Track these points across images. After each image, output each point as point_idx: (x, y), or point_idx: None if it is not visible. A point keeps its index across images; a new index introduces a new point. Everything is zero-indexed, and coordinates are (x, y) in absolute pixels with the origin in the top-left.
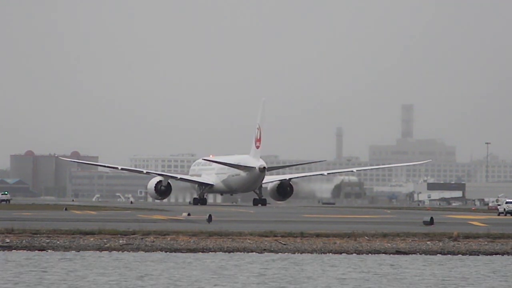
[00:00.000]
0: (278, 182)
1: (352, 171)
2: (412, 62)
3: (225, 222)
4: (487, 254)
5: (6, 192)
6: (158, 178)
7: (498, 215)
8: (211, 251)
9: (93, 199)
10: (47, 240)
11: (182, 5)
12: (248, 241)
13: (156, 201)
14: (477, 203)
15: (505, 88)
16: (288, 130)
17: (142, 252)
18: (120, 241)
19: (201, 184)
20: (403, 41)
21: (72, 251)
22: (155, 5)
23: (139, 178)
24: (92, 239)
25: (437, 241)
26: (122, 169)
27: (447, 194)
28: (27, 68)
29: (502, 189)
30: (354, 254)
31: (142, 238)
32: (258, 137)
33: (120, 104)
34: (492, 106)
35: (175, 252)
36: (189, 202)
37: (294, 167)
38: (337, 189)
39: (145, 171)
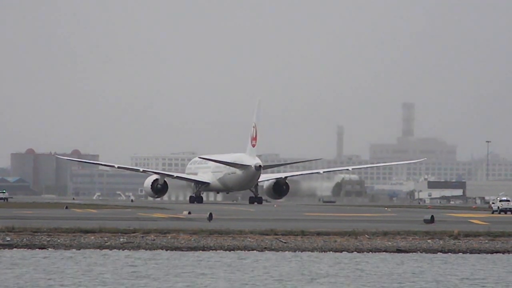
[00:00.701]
0: (274, 180)
1: (347, 169)
2: (413, 60)
3: (226, 221)
4: (487, 253)
5: (4, 191)
6: (155, 177)
7: (492, 213)
8: (212, 250)
9: (94, 198)
10: (48, 239)
11: (182, 5)
12: (249, 239)
13: (153, 199)
14: (478, 201)
15: (506, 87)
16: (289, 128)
17: (143, 250)
18: (121, 239)
19: (197, 182)
20: (404, 40)
21: (73, 250)
22: (155, 4)
23: (140, 177)
24: (92, 237)
25: (437, 240)
26: (118, 167)
27: (448, 192)
28: (28, 67)
29: (503, 188)
30: (355, 253)
31: (142, 237)
32: (254, 136)
33: (121, 103)
34: (492, 104)
35: (175, 250)
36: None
37: (294, 165)
38: (338, 188)
39: (141, 169)
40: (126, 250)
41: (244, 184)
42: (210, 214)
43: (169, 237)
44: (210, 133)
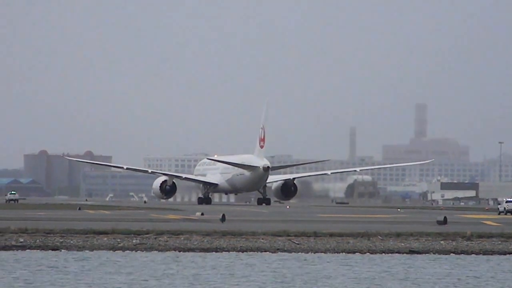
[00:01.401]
0: (282, 181)
1: (355, 170)
2: (425, 61)
3: (239, 222)
4: (500, 254)
5: (14, 192)
6: (163, 178)
7: (499, 214)
8: (225, 251)
9: (107, 199)
10: (61, 240)
11: (194, 6)
12: (262, 240)
13: (161, 200)
14: (491, 202)
15: None
16: (302, 129)
17: (155, 251)
18: (134, 241)
19: (205, 183)
20: (417, 41)
21: (86, 251)
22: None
23: (153, 178)
24: (105, 238)
25: (450, 241)
26: (127, 168)
27: (461, 193)
28: (40, 67)
29: None
30: (368, 254)
31: (155, 238)
32: (262, 137)
33: (134, 104)
34: (505, 105)
35: (188, 251)
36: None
37: (307, 166)
38: (351, 189)
39: (149, 171)
40: (139, 251)
41: (252, 185)
42: (223, 216)
43: (182, 238)
44: (222, 135)
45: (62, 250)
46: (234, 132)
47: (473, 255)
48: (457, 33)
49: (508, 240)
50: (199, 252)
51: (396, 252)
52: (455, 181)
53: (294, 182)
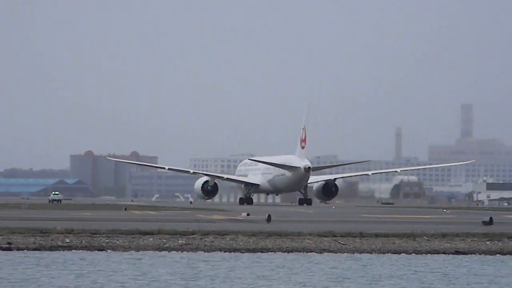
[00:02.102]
0: (323, 182)
1: (396, 171)
2: (471, 61)
3: (284, 222)
4: None
5: (57, 192)
6: (205, 178)
7: None
8: (270, 251)
9: (153, 199)
10: (107, 240)
11: (242, 7)
12: (307, 241)
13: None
14: None
15: None
16: (348, 130)
17: (201, 252)
18: (180, 241)
19: (247, 184)
20: (463, 40)
21: (132, 251)
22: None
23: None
24: (151, 239)
25: (496, 241)
26: (169, 169)
27: (507, 194)
28: (85, 69)
29: None
30: (413, 254)
31: (201, 238)
32: (303, 138)
33: (181, 105)
34: None
35: (234, 252)
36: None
37: (353, 167)
38: (396, 189)
39: (191, 171)
40: (185, 252)
41: (293, 185)
42: (269, 216)
43: (228, 238)
44: (267, 135)
45: (108, 251)
46: (280, 132)
47: None
48: (501, 32)
49: None
50: (245, 252)
51: (442, 253)
52: (501, 182)
53: (335, 182)
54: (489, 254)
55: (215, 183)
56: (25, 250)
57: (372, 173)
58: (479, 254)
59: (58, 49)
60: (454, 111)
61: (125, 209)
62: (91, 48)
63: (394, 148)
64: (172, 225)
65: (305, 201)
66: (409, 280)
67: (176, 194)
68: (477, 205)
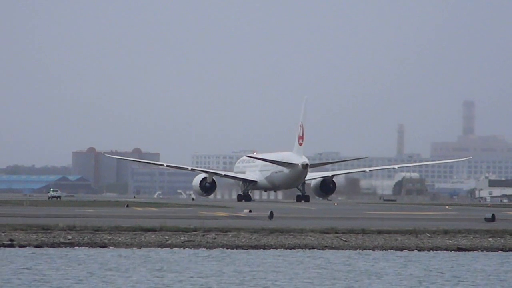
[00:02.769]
0: (321, 179)
1: (393, 168)
2: (473, 58)
3: (287, 219)
4: None
5: (56, 189)
6: (203, 175)
7: None
8: (272, 248)
9: (155, 196)
10: (109, 237)
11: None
12: (310, 237)
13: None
14: None
15: None
16: (350, 127)
17: (203, 249)
18: (182, 238)
19: (245, 180)
20: (465, 37)
21: (134, 248)
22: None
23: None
24: (153, 235)
25: (498, 238)
26: (167, 166)
27: (509, 190)
28: (87, 66)
29: None
30: (415, 251)
31: (203, 235)
32: (301, 135)
33: (183, 102)
34: None
35: (236, 249)
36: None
37: (356, 165)
38: (399, 186)
39: (190, 168)
40: (187, 249)
41: (291, 182)
42: (271, 213)
43: (230, 235)
44: (270, 132)
45: (110, 247)
46: (282, 129)
47: None
48: (504, 29)
49: None
50: (247, 249)
51: (444, 249)
52: (503, 178)
53: (333, 179)
54: (492, 251)
55: (213, 180)
56: (27, 247)
57: (370, 170)
58: (481, 251)
59: (60, 46)
60: (456, 108)
61: (127, 206)
62: (93, 45)
63: (396, 145)
64: (174, 222)
65: (303, 197)
66: (411, 278)
67: (179, 191)
68: (479, 201)
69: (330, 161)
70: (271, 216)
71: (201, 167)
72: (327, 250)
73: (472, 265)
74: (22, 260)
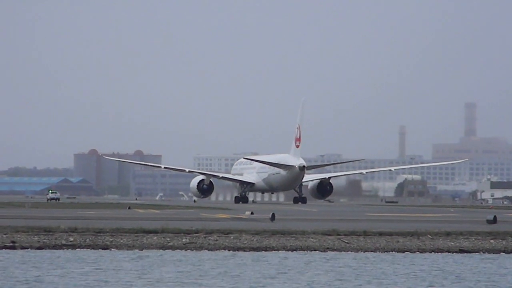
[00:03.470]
0: (318, 181)
1: (390, 169)
2: (475, 60)
3: (288, 221)
4: None
5: (55, 191)
6: (201, 177)
7: None
8: (274, 250)
9: (156, 198)
10: (111, 239)
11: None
12: (311, 239)
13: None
14: None
15: None
16: (352, 129)
17: (205, 250)
18: (183, 240)
19: (242, 182)
20: (466, 38)
21: (135, 250)
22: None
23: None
24: (155, 237)
25: (500, 240)
26: (165, 167)
27: (511, 192)
28: (89, 68)
29: None
30: (417, 253)
31: (205, 237)
32: (298, 137)
33: (185, 104)
34: None
35: (238, 250)
36: (253, 201)
37: (357, 166)
38: (400, 188)
39: (187, 170)
40: (188, 251)
41: (288, 184)
42: (273, 215)
43: (232, 237)
44: (272, 134)
45: (112, 249)
46: (284, 130)
47: None
48: (507, 32)
49: None
50: (249, 251)
51: (446, 251)
52: (505, 180)
53: (330, 181)
54: (493, 253)
55: (210, 181)
56: (29, 249)
57: (366, 172)
58: (483, 252)
59: (62, 48)
60: (458, 110)
61: (129, 208)
62: (96, 47)
63: (398, 146)
64: (176, 224)
65: (300, 199)
66: (413, 279)
67: (180, 192)
68: (481, 203)
69: (329, 162)
70: (272, 218)
71: (203, 169)
72: (328, 252)
73: (474, 266)
74: (24, 261)
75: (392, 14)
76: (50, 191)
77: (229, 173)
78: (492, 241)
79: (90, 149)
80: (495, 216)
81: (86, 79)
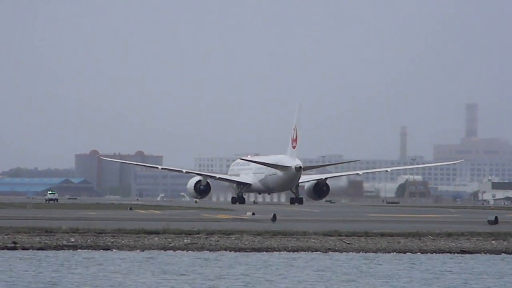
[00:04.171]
0: (315, 181)
1: (386, 170)
2: (476, 60)
3: (290, 222)
4: None
5: (53, 192)
6: (198, 178)
7: None
8: (276, 251)
9: (158, 199)
10: (112, 240)
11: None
12: (313, 240)
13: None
14: None
15: None
16: (353, 130)
17: (206, 251)
18: (185, 241)
19: (239, 183)
20: (467, 40)
21: (137, 251)
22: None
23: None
24: (156, 238)
25: (501, 241)
26: (162, 168)
27: None
28: (90, 69)
29: None
30: (419, 253)
31: (206, 238)
32: (294, 138)
33: (186, 105)
34: None
35: (239, 251)
36: (253, 201)
37: (358, 167)
38: (402, 189)
39: (184, 171)
40: (190, 251)
41: (285, 185)
42: (274, 215)
43: (233, 238)
44: (273, 135)
45: (114, 250)
46: (285, 132)
47: None
48: (508, 33)
49: None
50: (250, 252)
51: (447, 252)
52: (506, 181)
53: (326, 182)
54: (495, 254)
55: (207, 182)
56: (30, 250)
57: (363, 172)
58: (485, 253)
59: (63, 48)
60: (459, 111)
61: (130, 209)
62: (97, 48)
63: (399, 147)
64: (177, 225)
65: (297, 200)
66: (414, 280)
67: (182, 193)
68: (482, 204)
69: (327, 163)
70: (274, 218)
71: (204, 170)
72: (330, 252)
73: (476, 267)
74: (25, 262)
75: (392, 14)
76: (49, 192)
77: (223, 173)
78: (493, 241)
79: (91, 149)
80: (496, 217)
81: (87, 79)
